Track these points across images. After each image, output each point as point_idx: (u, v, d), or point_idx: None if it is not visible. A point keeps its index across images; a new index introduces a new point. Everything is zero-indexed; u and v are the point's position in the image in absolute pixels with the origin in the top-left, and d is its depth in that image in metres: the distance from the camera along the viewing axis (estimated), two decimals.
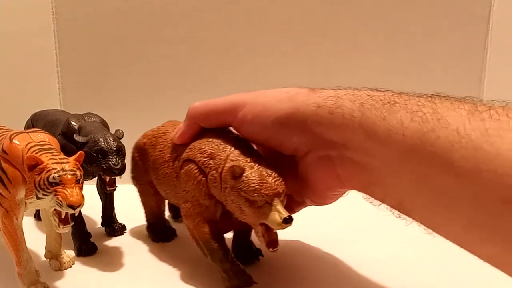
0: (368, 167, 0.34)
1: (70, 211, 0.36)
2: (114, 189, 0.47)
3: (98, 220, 0.55)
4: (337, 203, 0.43)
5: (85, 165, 0.43)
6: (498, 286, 0.32)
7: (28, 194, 0.37)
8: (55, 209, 0.37)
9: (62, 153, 0.39)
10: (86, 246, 0.48)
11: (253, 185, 0.37)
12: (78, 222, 0.48)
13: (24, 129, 0.51)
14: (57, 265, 0.45)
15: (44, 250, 0.46)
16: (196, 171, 0.41)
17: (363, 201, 0.37)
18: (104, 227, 0.54)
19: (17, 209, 0.39)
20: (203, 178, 0.41)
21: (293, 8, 0.72)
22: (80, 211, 0.44)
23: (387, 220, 0.36)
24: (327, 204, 0.43)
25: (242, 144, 0.41)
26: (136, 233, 0.54)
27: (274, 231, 0.38)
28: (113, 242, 0.52)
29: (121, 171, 0.44)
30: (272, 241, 0.38)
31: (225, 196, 0.39)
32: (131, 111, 0.73)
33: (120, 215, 0.55)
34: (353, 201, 0.41)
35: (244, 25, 0.73)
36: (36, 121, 0.55)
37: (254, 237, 0.43)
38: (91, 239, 0.49)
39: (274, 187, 0.37)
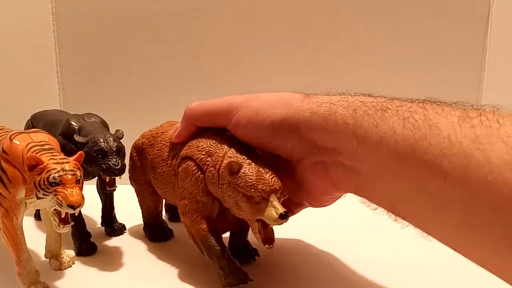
0: (359, 172, 0.34)
1: (70, 211, 0.36)
2: (114, 189, 0.47)
3: (98, 220, 0.55)
4: (335, 204, 0.43)
5: (85, 165, 0.43)
6: (497, 287, 0.32)
7: (28, 194, 0.37)
8: (55, 209, 0.37)
9: (62, 153, 0.40)
10: (86, 246, 0.48)
11: (251, 180, 0.37)
12: (78, 222, 0.48)
13: (24, 129, 0.51)
14: (57, 265, 0.45)
15: (44, 250, 0.46)
16: (194, 168, 0.41)
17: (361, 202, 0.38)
18: (104, 227, 0.54)
19: (17, 209, 0.39)
20: (201, 175, 0.41)
21: (293, 8, 0.72)
22: (80, 211, 0.44)
23: (386, 220, 0.36)
24: (325, 206, 0.43)
25: (239, 142, 0.41)
26: (136, 233, 0.54)
27: (271, 227, 0.39)
28: (113, 242, 0.52)
29: (121, 171, 0.44)
30: (269, 237, 0.39)
31: (222, 193, 0.39)
32: (131, 111, 0.73)
33: (120, 215, 0.55)
34: (351, 201, 0.41)
35: (244, 25, 0.73)
36: (36, 121, 0.55)
37: (250, 237, 0.43)
38: (91, 239, 0.49)
39: (271, 183, 0.37)
